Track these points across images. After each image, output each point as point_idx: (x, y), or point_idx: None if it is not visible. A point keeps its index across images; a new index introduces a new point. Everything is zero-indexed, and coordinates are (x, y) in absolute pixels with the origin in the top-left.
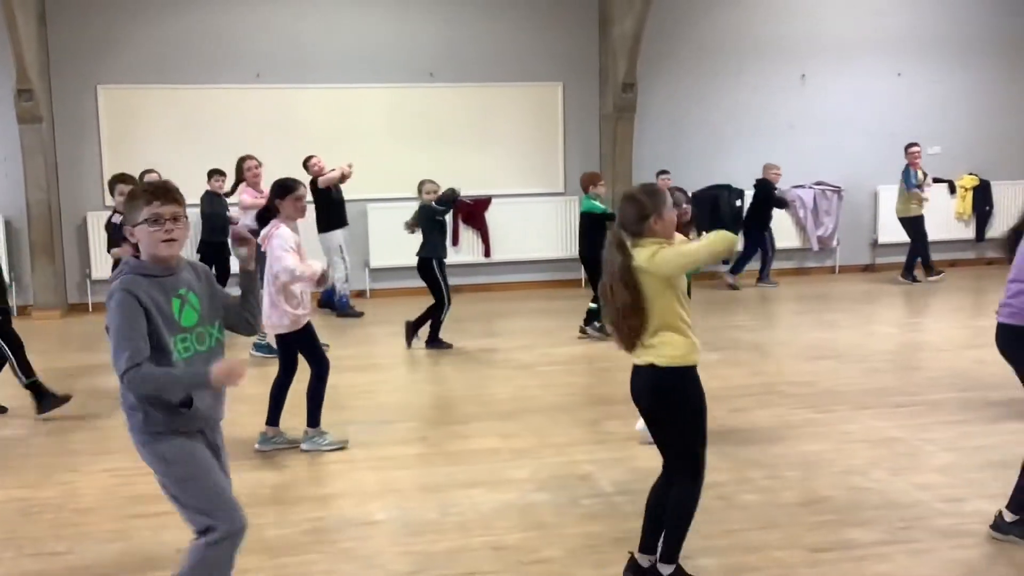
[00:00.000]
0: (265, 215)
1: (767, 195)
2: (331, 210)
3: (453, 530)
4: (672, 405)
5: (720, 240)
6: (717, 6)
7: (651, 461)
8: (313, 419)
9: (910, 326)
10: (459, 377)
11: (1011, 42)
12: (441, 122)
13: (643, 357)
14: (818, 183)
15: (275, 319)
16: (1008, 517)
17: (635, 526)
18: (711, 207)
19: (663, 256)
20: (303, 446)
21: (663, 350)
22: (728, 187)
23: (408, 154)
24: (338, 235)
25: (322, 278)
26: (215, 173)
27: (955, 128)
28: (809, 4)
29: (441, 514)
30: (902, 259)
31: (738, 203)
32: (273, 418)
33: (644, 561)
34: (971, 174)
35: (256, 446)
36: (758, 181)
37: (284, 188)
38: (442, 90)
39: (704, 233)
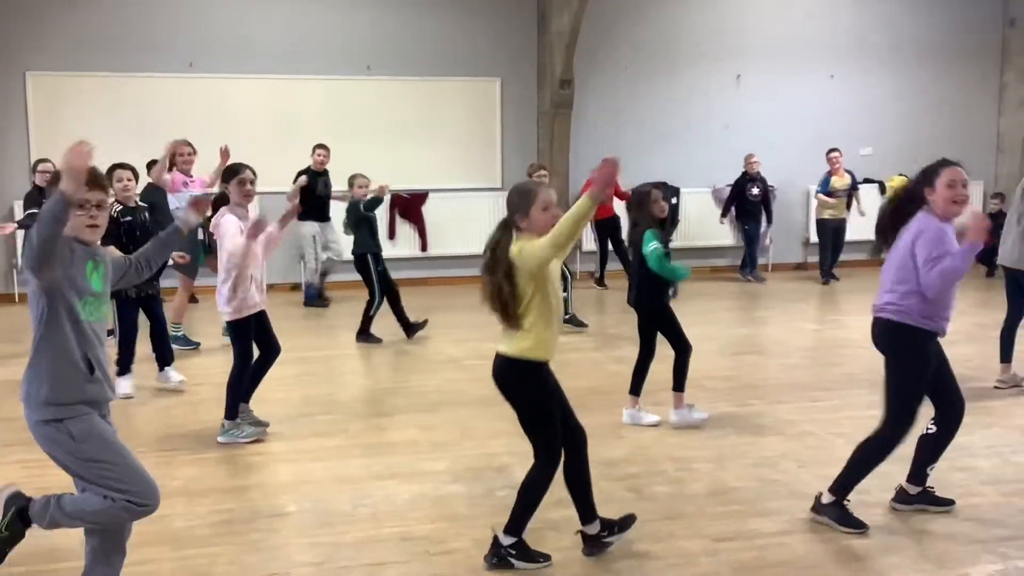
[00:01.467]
0: (218, 203)
1: (742, 188)
2: (308, 202)
3: (363, 521)
4: (510, 394)
5: (568, 218)
6: (654, 5)
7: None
8: (231, 411)
9: (833, 323)
10: (387, 370)
11: (939, 45)
12: (378, 116)
13: (500, 343)
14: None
15: (222, 304)
16: (913, 488)
17: (547, 516)
18: (647, 205)
19: (526, 250)
20: (219, 439)
21: (513, 341)
22: (664, 185)
23: (345, 147)
24: (309, 226)
25: (257, 224)
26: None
27: (886, 129)
28: (745, 6)
29: (353, 505)
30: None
31: (673, 201)
32: (231, 410)
33: (591, 530)
34: (901, 175)
35: (218, 438)
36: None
37: (230, 171)
38: (380, 83)
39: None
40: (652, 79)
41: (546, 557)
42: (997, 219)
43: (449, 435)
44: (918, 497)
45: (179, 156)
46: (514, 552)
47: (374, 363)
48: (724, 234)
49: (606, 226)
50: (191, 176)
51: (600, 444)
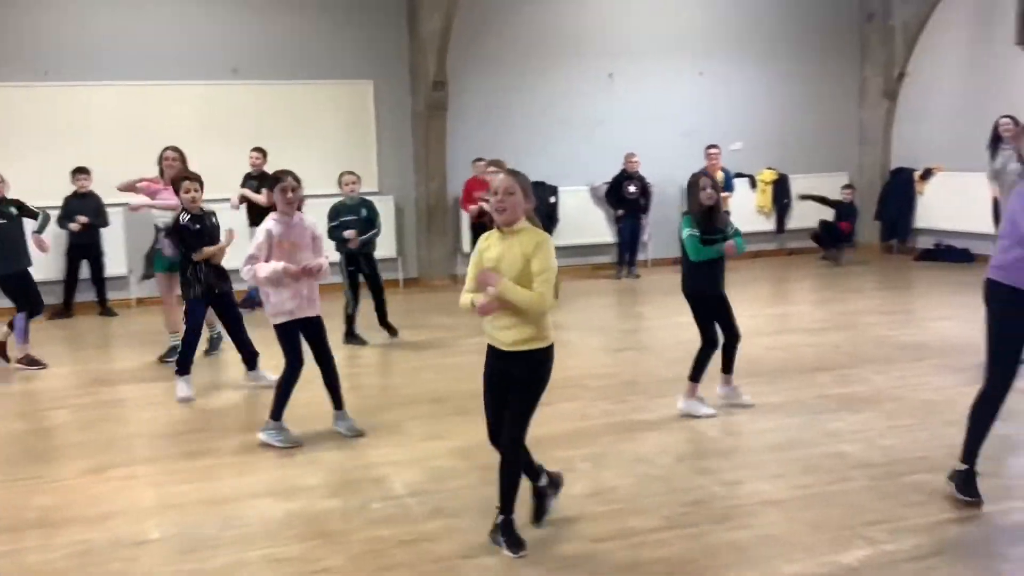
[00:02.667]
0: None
1: (619, 185)
2: (256, 209)
3: (232, 544)
4: (542, 379)
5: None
6: (526, 5)
7: (446, 461)
8: (275, 412)
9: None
10: (256, 385)
11: (802, 40)
12: (248, 121)
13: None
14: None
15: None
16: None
17: (425, 528)
18: None
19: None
20: (259, 434)
21: (546, 329)
22: (542, 184)
23: (213, 154)
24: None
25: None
26: (79, 172)
27: (754, 124)
28: (616, 5)
29: (221, 528)
30: None
31: (552, 200)
32: (276, 412)
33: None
34: (770, 168)
35: (261, 436)
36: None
37: (272, 179)
38: (248, 87)
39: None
40: (526, 78)
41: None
42: (847, 210)
43: (326, 448)
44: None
45: (164, 162)
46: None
47: (239, 377)
48: (602, 232)
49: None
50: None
51: (482, 448)
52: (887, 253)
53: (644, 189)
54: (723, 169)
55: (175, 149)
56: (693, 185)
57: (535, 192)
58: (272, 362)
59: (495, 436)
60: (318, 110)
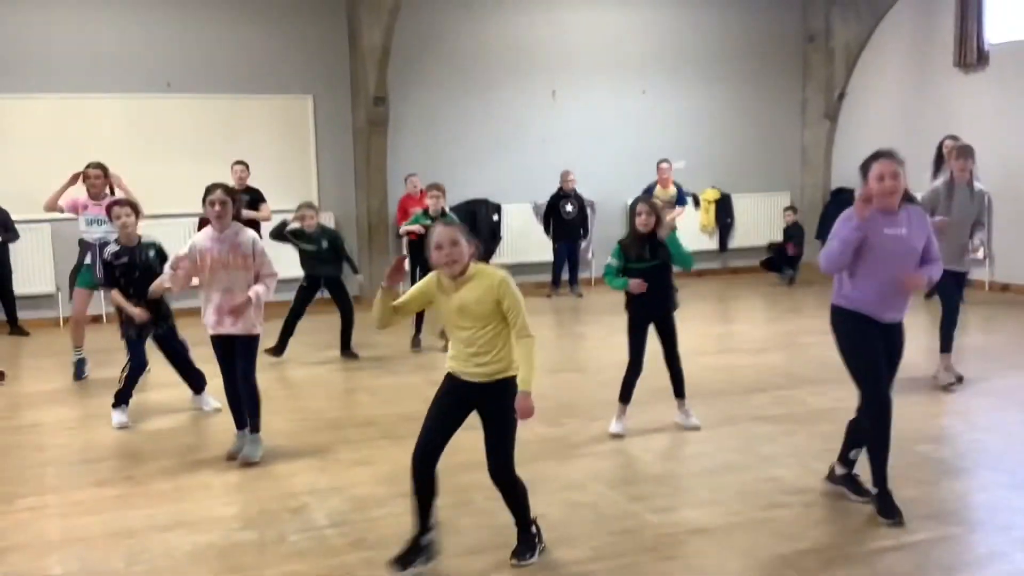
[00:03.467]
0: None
1: (555, 204)
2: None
3: None
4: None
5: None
6: (468, 21)
7: (371, 488)
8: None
9: (651, 335)
10: (180, 408)
11: (745, 60)
12: (181, 135)
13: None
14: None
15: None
16: (839, 470)
17: (344, 560)
18: (470, 222)
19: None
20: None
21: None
22: (486, 201)
23: (145, 169)
24: None
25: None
26: None
27: (698, 143)
28: (558, 23)
29: (128, 563)
30: None
31: (495, 218)
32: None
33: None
34: (714, 187)
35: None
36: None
37: (205, 191)
38: (181, 101)
39: None
40: (468, 95)
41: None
42: (791, 231)
43: (244, 476)
44: (842, 479)
45: (86, 180)
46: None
47: (166, 401)
48: (546, 250)
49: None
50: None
51: (406, 474)
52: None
53: (582, 207)
54: (675, 183)
55: (98, 166)
56: (633, 210)
57: (482, 210)
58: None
59: (426, 457)
60: (256, 125)
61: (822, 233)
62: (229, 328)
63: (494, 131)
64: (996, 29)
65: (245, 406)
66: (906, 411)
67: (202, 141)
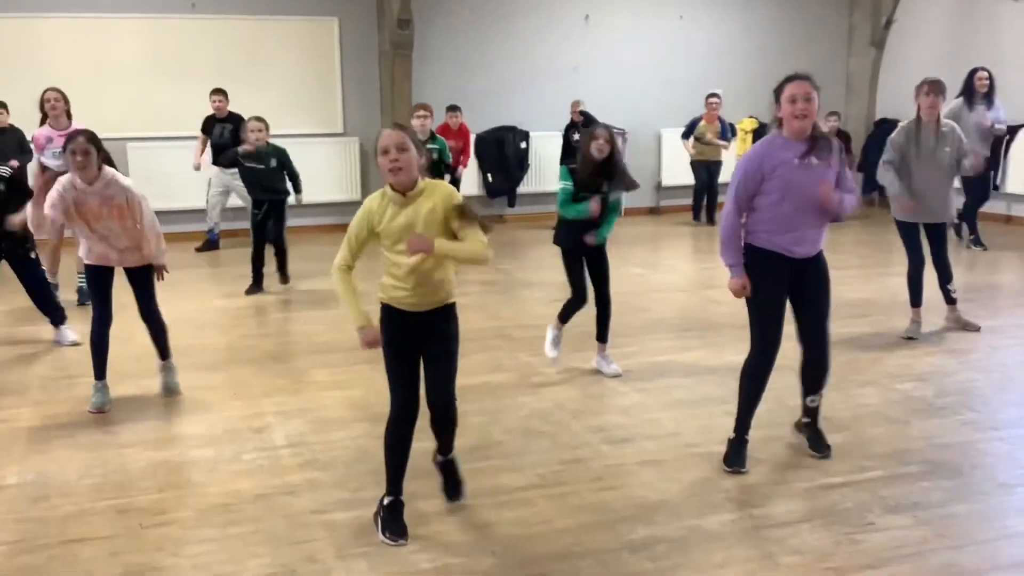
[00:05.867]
0: None
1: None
2: (219, 150)
3: (84, 493)
4: (455, 333)
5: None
6: None
7: (339, 411)
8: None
9: (663, 268)
10: (179, 327)
11: None
12: (206, 57)
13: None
14: None
15: None
16: (803, 419)
17: (288, 480)
18: (497, 149)
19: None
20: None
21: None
22: (514, 129)
23: (170, 92)
24: (212, 171)
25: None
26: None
27: (736, 71)
28: None
29: (80, 476)
30: (686, 201)
31: (523, 145)
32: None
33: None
34: (751, 117)
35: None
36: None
37: (66, 139)
38: (206, 22)
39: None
40: (498, 21)
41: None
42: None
43: (219, 395)
44: (803, 428)
45: (45, 104)
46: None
47: (173, 318)
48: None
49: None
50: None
51: (379, 399)
52: (868, 206)
53: None
54: (720, 119)
55: (56, 90)
56: (588, 135)
57: (510, 137)
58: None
59: (410, 414)
60: (280, 47)
61: (863, 165)
62: (129, 262)
63: (524, 57)
64: None
65: (154, 339)
66: (900, 349)
67: (226, 63)
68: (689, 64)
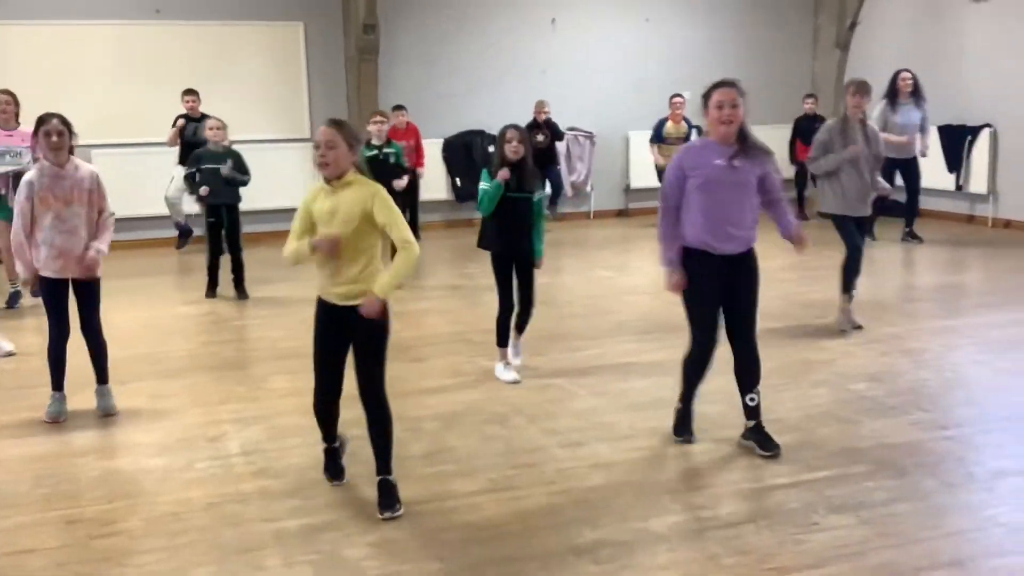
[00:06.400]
0: None
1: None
2: (187, 149)
3: (35, 503)
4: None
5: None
6: None
7: (296, 418)
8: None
9: (630, 270)
10: (143, 334)
11: None
12: (172, 63)
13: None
14: (571, 129)
15: None
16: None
17: (241, 488)
18: (465, 153)
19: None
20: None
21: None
22: (481, 133)
23: (135, 97)
24: (177, 169)
25: None
26: None
27: (703, 73)
28: None
29: (32, 486)
30: (655, 204)
31: (491, 149)
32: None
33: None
34: None
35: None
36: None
37: (37, 121)
38: (171, 28)
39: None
40: (464, 23)
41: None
42: (813, 120)
43: (178, 403)
44: (750, 434)
45: None
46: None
47: (126, 327)
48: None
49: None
50: (13, 128)
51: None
52: None
53: (554, 137)
54: (685, 119)
55: (7, 92)
56: (500, 137)
57: (478, 141)
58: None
59: (328, 405)
60: (246, 52)
61: None
62: (71, 271)
63: (491, 61)
64: None
65: (93, 357)
66: (855, 348)
67: (192, 69)
68: (656, 67)
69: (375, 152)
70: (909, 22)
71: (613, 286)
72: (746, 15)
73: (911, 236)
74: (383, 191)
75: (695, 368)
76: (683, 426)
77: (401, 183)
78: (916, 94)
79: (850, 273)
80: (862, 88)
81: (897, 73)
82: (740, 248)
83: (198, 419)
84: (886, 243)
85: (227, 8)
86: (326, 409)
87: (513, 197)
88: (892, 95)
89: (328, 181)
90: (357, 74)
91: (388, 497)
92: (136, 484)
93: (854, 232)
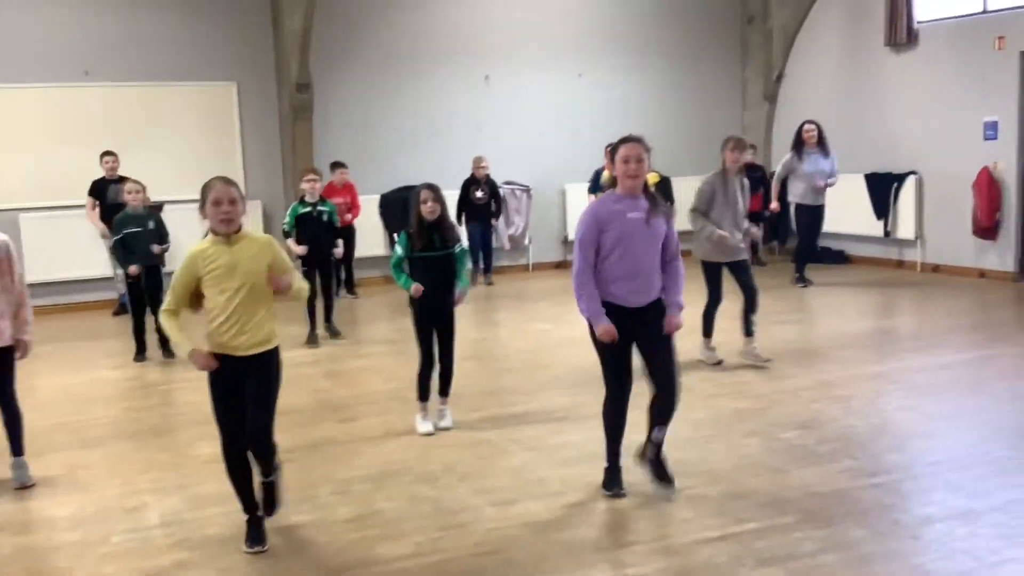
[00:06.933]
0: None
1: (467, 191)
2: (104, 212)
3: None
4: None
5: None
6: (395, 6)
7: (217, 486)
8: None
9: (567, 322)
10: (65, 401)
11: (684, 42)
12: (101, 125)
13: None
14: (507, 183)
15: None
16: (649, 453)
17: (158, 562)
18: (401, 209)
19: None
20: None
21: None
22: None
23: (65, 160)
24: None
25: None
26: None
27: (637, 126)
28: (490, 5)
29: None
30: None
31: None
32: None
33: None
34: (653, 171)
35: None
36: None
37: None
38: (101, 90)
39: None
40: (399, 81)
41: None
42: (750, 170)
43: (97, 473)
44: (648, 461)
45: None
46: None
47: (57, 392)
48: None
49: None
50: None
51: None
52: (769, 254)
53: (494, 194)
54: None
55: None
56: (415, 198)
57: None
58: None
59: (237, 447)
60: (178, 113)
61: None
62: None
63: (427, 117)
64: (924, 7)
65: (8, 427)
66: (785, 396)
67: (124, 131)
68: (591, 120)
69: (309, 209)
70: (833, 73)
71: (549, 339)
72: (677, 69)
73: (801, 280)
74: (274, 240)
75: (613, 416)
76: (613, 480)
77: (338, 251)
78: (821, 143)
79: (710, 319)
80: (739, 144)
81: (801, 125)
82: (649, 299)
83: (117, 490)
84: (821, 288)
85: (158, 69)
86: (239, 455)
87: (435, 256)
88: (798, 146)
89: (227, 236)
90: (292, 133)
91: (273, 495)
92: (48, 561)
93: (720, 280)
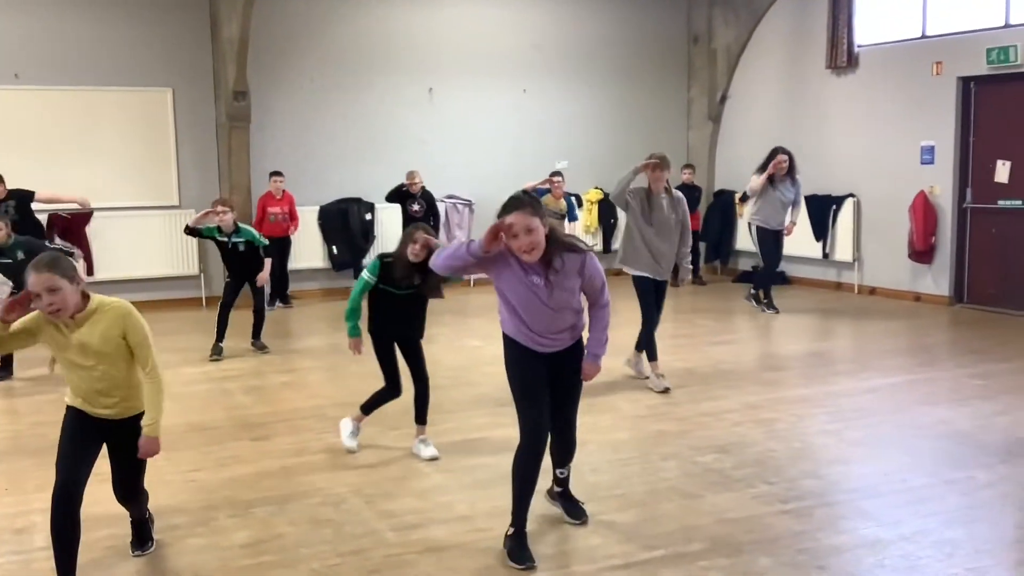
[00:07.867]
0: None
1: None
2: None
3: None
4: None
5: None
6: (336, 16)
7: (109, 505)
8: None
9: (499, 338)
10: None
11: (630, 61)
12: (32, 129)
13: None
14: (450, 196)
15: None
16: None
17: None
18: (341, 220)
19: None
20: None
21: None
22: (359, 200)
23: None
24: None
25: None
26: None
27: (581, 143)
28: (434, 17)
29: None
30: None
31: (368, 216)
32: None
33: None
34: (596, 188)
35: None
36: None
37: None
38: (31, 93)
39: None
40: (340, 91)
41: None
42: (692, 190)
43: None
44: (557, 497)
45: None
46: None
47: None
48: None
49: None
50: None
51: (152, 490)
52: (711, 274)
53: (430, 207)
54: (566, 196)
55: None
56: (407, 236)
57: (355, 209)
58: None
59: (69, 499)
60: (111, 119)
61: (706, 235)
62: None
63: (368, 129)
64: (865, 31)
65: None
66: (709, 420)
67: (52, 136)
68: (535, 136)
69: (225, 240)
70: (776, 95)
71: (479, 356)
72: (623, 87)
73: (769, 306)
74: (134, 311)
75: (524, 468)
76: (522, 552)
77: (264, 276)
78: (791, 173)
79: (652, 341)
80: (661, 165)
81: (775, 154)
82: (561, 347)
83: (7, 509)
84: (763, 312)
85: (91, 74)
86: (73, 503)
87: (404, 295)
88: (770, 175)
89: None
90: (228, 141)
91: (144, 533)
92: None
93: (652, 298)
